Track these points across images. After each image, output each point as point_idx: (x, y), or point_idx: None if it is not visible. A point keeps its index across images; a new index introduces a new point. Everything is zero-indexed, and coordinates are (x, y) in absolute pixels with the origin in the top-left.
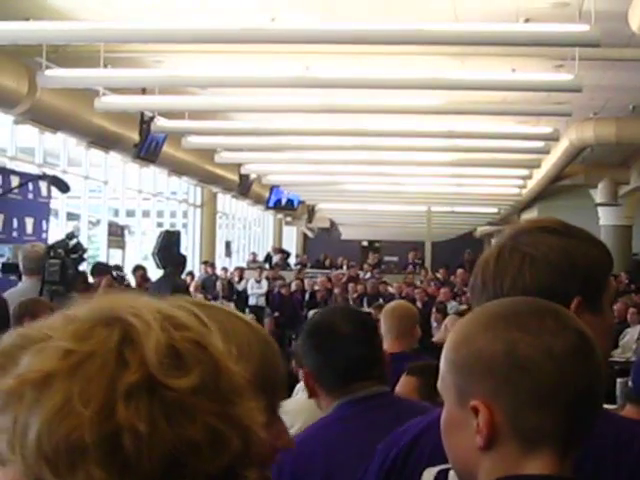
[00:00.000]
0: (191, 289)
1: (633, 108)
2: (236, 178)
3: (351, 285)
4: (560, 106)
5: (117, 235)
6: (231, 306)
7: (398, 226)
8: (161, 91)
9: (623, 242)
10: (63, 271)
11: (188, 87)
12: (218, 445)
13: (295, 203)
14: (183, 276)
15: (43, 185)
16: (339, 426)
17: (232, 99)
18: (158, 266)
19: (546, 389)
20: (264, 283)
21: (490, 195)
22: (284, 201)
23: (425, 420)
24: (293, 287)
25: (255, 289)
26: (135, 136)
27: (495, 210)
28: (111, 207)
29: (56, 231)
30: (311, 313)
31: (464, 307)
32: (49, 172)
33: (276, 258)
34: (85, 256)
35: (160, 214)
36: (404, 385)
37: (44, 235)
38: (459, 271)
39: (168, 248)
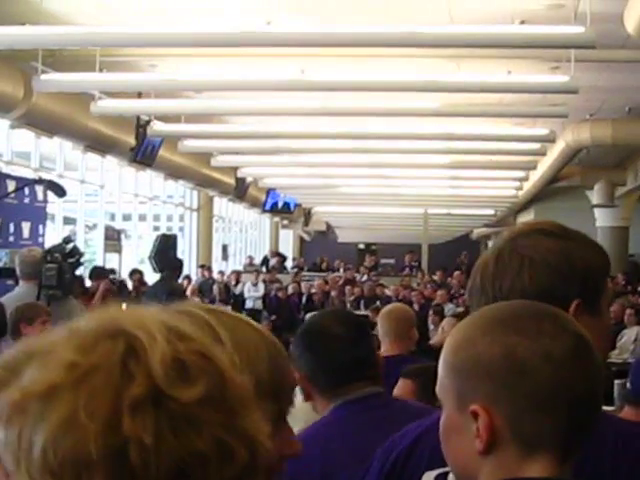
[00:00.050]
0: (188, 293)
1: (629, 109)
2: (232, 181)
3: (348, 288)
4: (556, 108)
5: (114, 239)
6: (228, 310)
7: (395, 229)
8: (157, 95)
9: (620, 243)
10: (60, 275)
11: (184, 91)
12: (225, 456)
13: (291, 206)
14: (180, 280)
15: (39, 189)
16: (335, 428)
17: (228, 102)
18: (155, 270)
19: (545, 393)
20: (261, 286)
21: (486, 197)
22: (280, 204)
23: (423, 424)
24: (290, 290)
25: (252, 292)
26: (131, 140)
27: (492, 212)
28: (107, 211)
29: (53, 235)
30: (308, 316)
31: (461, 309)
32: (45, 176)
33: (273, 261)
34: (82, 260)
35: (157, 218)
36: (401, 388)
37: (41, 239)
38: (456, 273)
39: (165, 252)
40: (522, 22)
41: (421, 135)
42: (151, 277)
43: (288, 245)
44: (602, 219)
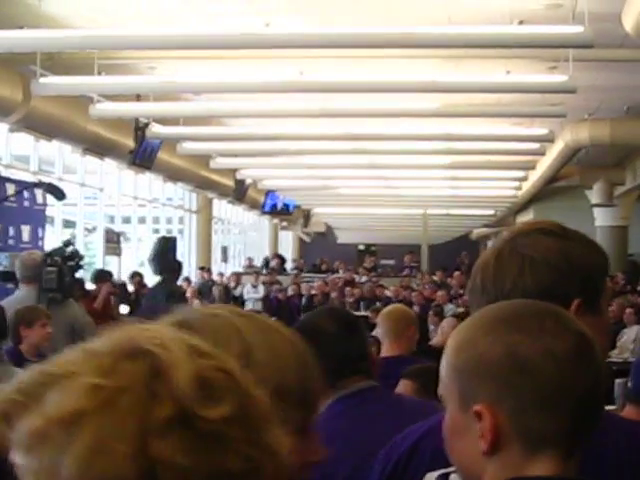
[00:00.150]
0: (188, 295)
1: (627, 109)
2: (232, 183)
3: (348, 289)
4: (554, 107)
5: (113, 242)
6: None
7: (394, 229)
8: (155, 97)
9: (619, 243)
10: (60, 278)
11: (182, 93)
12: (253, 473)
13: (291, 208)
14: (180, 282)
15: (39, 193)
16: (332, 423)
17: (227, 104)
18: (154, 272)
19: (548, 391)
20: (261, 288)
21: (486, 197)
22: (280, 206)
23: (425, 425)
24: (290, 292)
25: (252, 294)
26: (130, 143)
27: (491, 212)
28: (107, 214)
29: (52, 239)
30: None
31: (461, 310)
32: (44, 180)
33: (273, 263)
34: (82, 263)
35: (156, 220)
36: (402, 388)
37: (40, 243)
38: (456, 274)
39: (164, 254)
40: (520, 22)
41: (420, 136)
42: (151, 280)
43: (288, 247)
44: (601, 219)
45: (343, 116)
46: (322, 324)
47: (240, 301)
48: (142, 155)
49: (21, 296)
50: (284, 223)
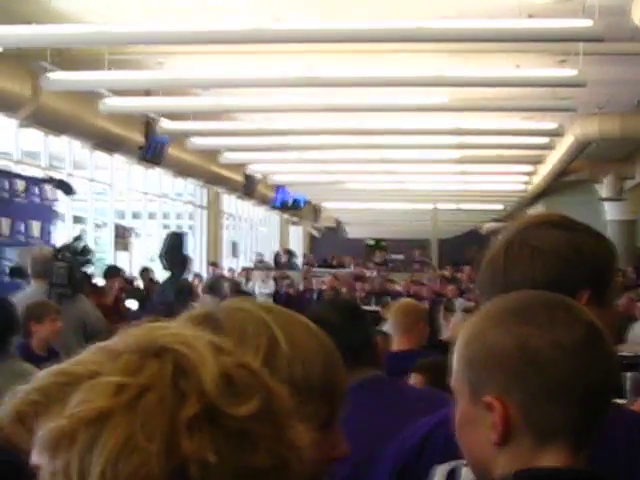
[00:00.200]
0: (198, 291)
1: (638, 102)
2: (241, 179)
3: (358, 284)
4: (564, 101)
5: (123, 237)
6: None
7: (404, 224)
8: (164, 93)
9: (628, 236)
10: (70, 274)
11: (191, 88)
12: (280, 469)
13: (301, 203)
14: (191, 278)
15: (48, 188)
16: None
17: (235, 99)
18: (165, 268)
19: (558, 382)
20: (271, 283)
21: (495, 192)
22: (290, 201)
23: (436, 417)
24: (300, 287)
25: (262, 289)
26: (139, 138)
27: (501, 207)
28: (117, 209)
29: (62, 234)
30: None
31: (472, 304)
32: (54, 176)
33: (283, 258)
34: (92, 259)
35: (166, 216)
36: (412, 382)
37: (50, 238)
38: (466, 268)
39: (174, 250)
40: (529, 16)
41: (429, 130)
42: (161, 275)
43: (298, 242)
44: (611, 212)
45: (352, 111)
46: (325, 315)
47: (249, 296)
48: (152, 151)
49: (31, 291)
50: (294, 218)
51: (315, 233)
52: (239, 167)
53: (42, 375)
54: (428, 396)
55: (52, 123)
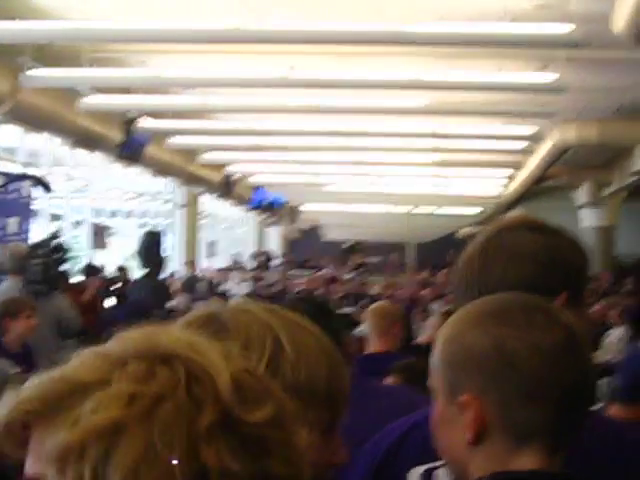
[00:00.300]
0: (173, 289)
1: (616, 109)
2: (220, 178)
3: (335, 286)
4: (544, 107)
5: (100, 235)
6: None
7: (381, 227)
8: (145, 91)
9: (605, 243)
10: (46, 271)
11: (172, 87)
12: (294, 475)
13: (278, 204)
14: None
15: (25, 185)
16: None
17: (216, 99)
18: (141, 266)
19: (534, 384)
20: (246, 284)
21: (473, 196)
22: (267, 202)
23: (412, 418)
24: (276, 288)
25: (237, 290)
26: (119, 136)
27: (478, 211)
28: (94, 207)
29: (38, 231)
30: None
31: (448, 307)
32: (31, 172)
33: (260, 259)
34: (68, 256)
35: (143, 214)
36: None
37: (26, 235)
38: (442, 272)
39: (150, 249)
40: (511, 21)
41: (409, 133)
42: (138, 274)
43: (275, 242)
44: (588, 219)
45: (332, 112)
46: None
47: (225, 297)
48: (130, 148)
49: (6, 288)
50: (271, 219)
51: (292, 234)
52: (218, 167)
53: (39, 383)
54: (404, 397)
55: (32, 120)
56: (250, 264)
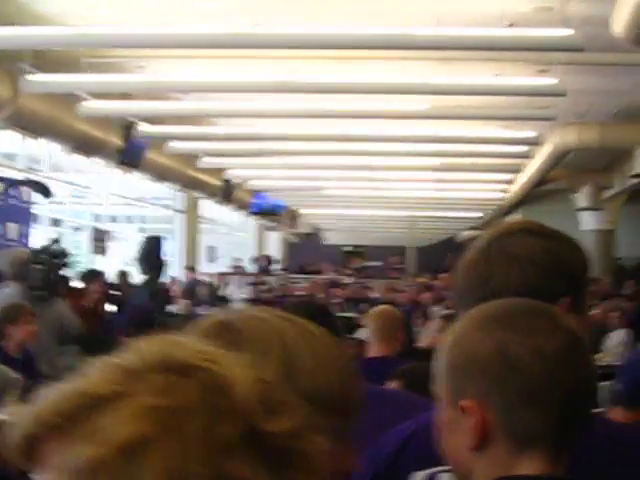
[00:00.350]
0: (174, 294)
1: (616, 113)
2: (219, 183)
3: (335, 290)
4: (544, 110)
5: (100, 240)
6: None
7: (382, 231)
8: (144, 96)
9: (606, 246)
10: (46, 276)
11: (171, 92)
12: None
13: (278, 208)
14: (167, 281)
15: (25, 190)
16: None
17: (215, 104)
18: (140, 272)
19: (536, 389)
20: (247, 289)
21: (473, 200)
22: (267, 207)
23: (413, 424)
24: (276, 292)
25: (238, 294)
26: (118, 141)
27: (478, 215)
28: (94, 213)
29: (39, 237)
30: None
31: (448, 311)
32: (32, 178)
33: (261, 263)
34: (68, 261)
35: (143, 220)
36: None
37: (27, 241)
38: (442, 275)
39: (150, 254)
40: (510, 25)
41: (408, 137)
42: (138, 279)
43: (275, 247)
44: (588, 222)
45: (331, 117)
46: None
47: (226, 301)
48: (130, 154)
49: (7, 294)
50: (271, 224)
51: (292, 239)
52: (218, 172)
53: (55, 395)
54: (405, 401)
55: (31, 125)
56: (250, 268)
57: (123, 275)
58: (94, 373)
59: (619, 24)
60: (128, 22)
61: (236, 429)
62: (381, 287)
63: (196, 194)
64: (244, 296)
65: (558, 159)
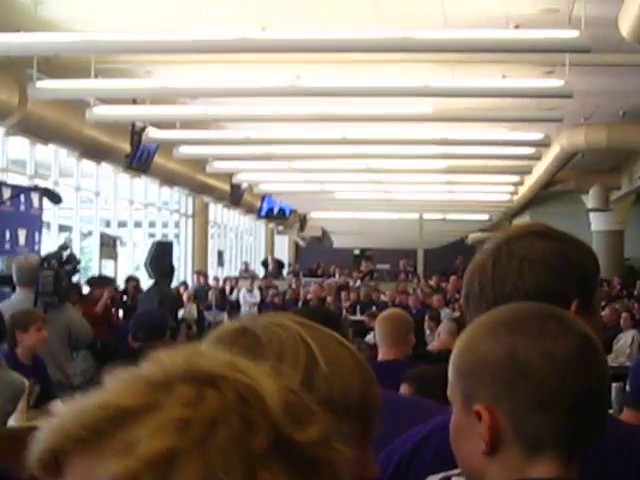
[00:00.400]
0: (184, 299)
1: (623, 113)
2: (227, 188)
3: (344, 293)
4: (551, 112)
5: (109, 246)
6: (224, 316)
7: (390, 234)
8: (152, 101)
9: (615, 247)
10: (56, 282)
11: (179, 97)
12: None
13: (287, 212)
14: (176, 286)
15: (35, 197)
16: None
17: (223, 109)
18: (150, 277)
19: (547, 393)
20: (256, 293)
21: (482, 202)
22: (276, 210)
23: (426, 428)
24: (286, 296)
25: (247, 298)
26: (126, 147)
27: (487, 217)
28: (103, 218)
29: (48, 243)
30: None
31: (458, 314)
32: (40, 184)
33: (270, 267)
34: (78, 267)
35: (152, 224)
36: (401, 392)
37: (37, 247)
38: (451, 278)
39: (160, 259)
40: (516, 26)
41: (416, 140)
42: (147, 284)
43: (284, 251)
44: (597, 223)
45: (339, 120)
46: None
47: (236, 306)
48: (138, 159)
49: (17, 300)
50: (280, 227)
51: (301, 242)
52: (226, 176)
53: (79, 409)
54: (417, 407)
55: (39, 131)
56: (260, 272)
57: (132, 280)
58: (118, 385)
59: (625, 25)
60: (136, 28)
61: (266, 439)
62: (391, 290)
63: (205, 198)
64: (253, 300)
65: (566, 160)
